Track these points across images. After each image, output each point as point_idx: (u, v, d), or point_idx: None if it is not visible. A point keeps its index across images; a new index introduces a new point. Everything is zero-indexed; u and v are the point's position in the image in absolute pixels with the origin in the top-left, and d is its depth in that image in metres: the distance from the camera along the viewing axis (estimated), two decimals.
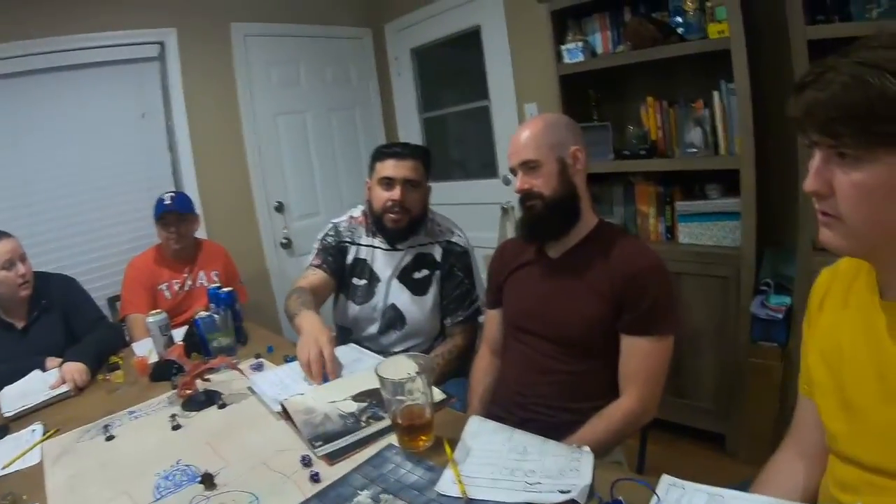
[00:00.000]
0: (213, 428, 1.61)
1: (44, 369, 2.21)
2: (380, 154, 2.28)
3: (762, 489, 1.14)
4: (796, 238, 2.51)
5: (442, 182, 4.29)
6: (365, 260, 2.37)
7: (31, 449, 1.62)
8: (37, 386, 2.07)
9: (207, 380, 1.84)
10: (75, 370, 2.07)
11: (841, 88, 0.83)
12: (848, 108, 0.82)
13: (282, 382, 1.79)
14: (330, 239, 2.41)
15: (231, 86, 4.20)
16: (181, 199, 3.08)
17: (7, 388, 2.06)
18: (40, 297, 2.48)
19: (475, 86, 4.29)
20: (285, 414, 1.56)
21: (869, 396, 0.96)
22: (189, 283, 3.09)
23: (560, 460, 1.21)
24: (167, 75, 3.94)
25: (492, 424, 1.41)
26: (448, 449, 1.29)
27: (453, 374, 2.22)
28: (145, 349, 2.30)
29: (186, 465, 1.39)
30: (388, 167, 2.22)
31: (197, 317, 2.21)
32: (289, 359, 2.00)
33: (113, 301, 3.34)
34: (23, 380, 2.13)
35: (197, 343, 2.17)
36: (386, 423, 1.45)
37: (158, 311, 2.31)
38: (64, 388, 2.02)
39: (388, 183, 2.22)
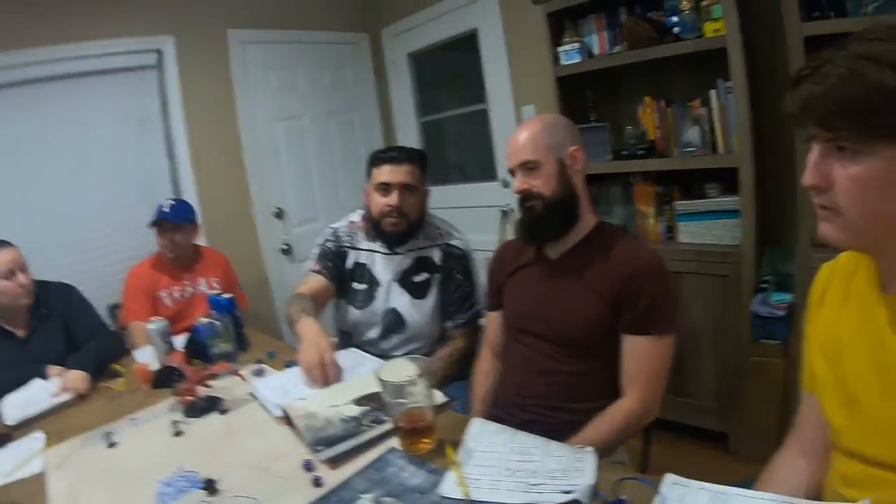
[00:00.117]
0: (214, 434, 1.61)
1: (45, 378, 2.20)
2: (376, 159, 2.28)
3: (766, 487, 1.14)
4: (796, 235, 2.51)
5: (441, 186, 4.31)
6: (365, 264, 2.38)
7: (33, 457, 1.61)
8: (38, 394, 2.06)
9: (209, 386, 1.83)
10: (76, 378, 2.08)
11: (838, 81, 0.83)
12: (845, 101, 0.82)
13: (283, 388, 1.79)
14: (329, 244, 2.41)
15: (229, 92, 4.20)
16: (179, 208, 3.07)
17: (8, 397, 2.06)
18: (41, 305, 2.48)
19: (473, 89, 4.30)
20: (287, 419, 1.56)
21: (870, 390, 0.96)
22: (189, 290, 3.09)
23: (563, 460, 1.21)
24: (165, 83, 3.93)
25: (494, 426, 1.41)
26: (450, 451, 1.29)
27: (455, 377, 2.20)
28: (146, 356, 2.30)
29: (188, 472, 1.39)
30: (385, 172, 2.22)
31: (198, 323, 2.21)
32: (290, 364, 2.00)
33: (113, 309, 3.34)
34: (24, 388, 2.12)
35: (198, 349, 2.18)
36: (388, 426, 1.45)
37: (159, 318, 2.31)
38: (65, 397, 2.01)
39: (384, 188, 2.22)
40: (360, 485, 1.24)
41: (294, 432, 1.52)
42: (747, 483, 1.13)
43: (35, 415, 1.93)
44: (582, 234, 1.75)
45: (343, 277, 2.40)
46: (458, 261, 2.33)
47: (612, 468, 1.23)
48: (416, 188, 2.26)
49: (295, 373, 1.89)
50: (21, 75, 3.39)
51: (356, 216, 2.45)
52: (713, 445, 2.89)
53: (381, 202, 2.23)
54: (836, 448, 1.06)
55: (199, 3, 4.03)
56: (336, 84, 4.79)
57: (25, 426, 1.87)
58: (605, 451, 1.42)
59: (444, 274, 2.32)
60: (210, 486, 1.29)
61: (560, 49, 3.20)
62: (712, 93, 2.77)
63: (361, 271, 2.37)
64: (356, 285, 2.38)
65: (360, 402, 1.59)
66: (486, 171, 4.39)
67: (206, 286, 3.10)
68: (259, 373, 2.01)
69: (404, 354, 2.23)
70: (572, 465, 1.19)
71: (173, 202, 3.10)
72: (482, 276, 2.30)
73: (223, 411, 1.73)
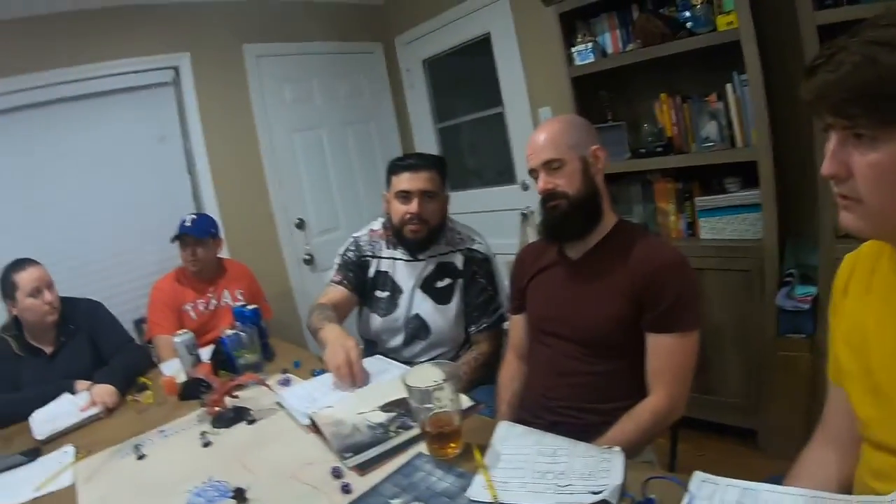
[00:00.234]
0: (243, 443, 1.61)
1: (73, 392, 2.23)
2: (395, 167, 2.28)
3: (795, 482, 1.12)
4: (818, 226, 2.48)
5: (460, 191, 4.30)
6: (386, 272, 2.38)
7: (63, 470, 1.63)
8: (67, 409, 2.09)
9: (236, 396, 1.84)
10: (105, 392, 2.10)
11: (852, 68, 0.82)
12: (860, 87, 0.81)
13: (310, 396, 1.79)
14: (350, 254, 2.42)
15: (246, 106, 4.24)
16: (201, 222, 3.11)
17: (38, 413, 2.08)
18: (67, 322, 2.52)
19: (488, 93, 4.30)
20: (314, 427, 1.56)
21: None
22: (214, 302, 3.12)
23: (590, 461, 1.21)
24: (183, 99, 3.99)
25: (520, 429, 1.40)
26: (478, 455, 1.28)
27: (480, 381, 2.20)
28: (173, 369, 2.32)
29: (218, 481, 1.39)
30: (404, 180, 2.22)
31: (223, 335, 2.22)
32: (316, 372, 2.01)
33: (139, 323, 3.38)
34: (53, 403, 2.15)
35: (224, 361, 2.19)
36: (415, 431, 1.45)
37: (185, 330, 2.33)
38: (94, 411, 2.04)
39: (404, 196, 2.23)
40: (388, 490, 1.24)
41: (322, 440, 1.52)
42: (777, 479, 1.12)
43: (64, 429, 1.95)
44: (603, 233, 1.75)
45: (365, 287, 2.41)
46: (481, 265, 2.32)
47: (640, 468, 1.22)
48: (436, 194, 2.26)
49: (321, 381, 1.91)
50: (41, 96, 3.47)
51: (377, 224, 2.46)
52: (741, 443, 2.85)
53: (401, 210, 2.23)
54: (865, 440, 1.04)
55: (214, 19, 4.08)
56: (351, 94, 4.82)
57: (55, 440, 1.90)
58: (632, 451, 1.41)
59: (466, 279, 2.32)
60: (240, 495, 1.29)
61: (574, 49, 3.19)
62: (728, 86, 2.75)
63: (384, 279, 2.38)
64: (379, 293, 2.38)
65: (386, 408, 1.59)
66: (504, 174, 4.38)
67: (231, 298, 3.13)
68: (285, 382, 2.02)
69: (429, 360, 2.23)
70: (600, 465, 1.18)
71: (195, 216, 3.14)
72: (504, 280, 2.30)
73: (251, 421, 1.73)
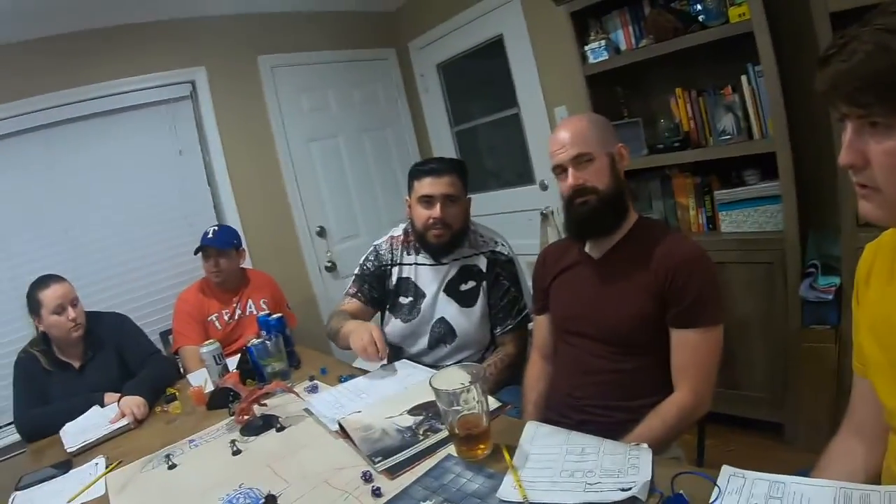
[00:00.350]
0: (272, 450, 1.62)
1: (102, 405, 2.26)
2: (417, 172, 2.28)
3: (822, 474, 1.11)
4: (839, 216, 2.44)
5: (479, 193, 4.30)
6: (409, 278, 2.38)
7: (96, 481, 1.66)
8: (97, 421, 2.12)
9: (264, 404, 1.86)
10: (133, 403, 2.12)
11: (864, 57, 0.81)
12: (873, 76, 0.81)
13: (338, 402, 1.81)
14: (369, 264, 2.44)
15: (263, 117, 4.29)
16: (223, 234, 3.14)
17: (68, 425, 2.12)
18: (94, 336, 2.55)
19: (503, 94, 4.30)
20: (343, 432, 1.57)
21: None
22: (238, 312, 3.14)
23: (618, 458, 1.21)
24: (200, 112, 4.04)
25: (548, 428, 1.41)
26: (507, 455, 1.28)
27: (506, 382, 2.20)
28: (200, 379, 2.34)
29: (249, 488, 1.40)
30: (426, 185, 2.22)
31: (249, 344, 2.24)
32: (343, 379, 2.03)
33: (165, 335, 3.42)
34: (83, 416, 2.19)
35: (251, 370, 2.21)
36: (443, 434, 1.45)
37: (212, 340, 2.35)
38: (123, 422, 2.06)
39: (427, 201, 2.23)
40: (419, 493, 1.24)
41: (351, 445, 1.52)
42: (805, 472, 1.11)
43: (94, 441, 1.98)
44: (624, 231, 1.74)
45: (385, 297, 2.43)
46: (504, 267, 2.31)
47: (668, 464, 1.22)
48: (458, 198, 2.25)
49: (348, 387, 1.92)
50: (62, 115, 3.54)
51: (398, 230, 2.46)
52: (769, 436, 2.82)
53: (424, 215, 2.23)
54: (892, 430, 1.03)
55: (228, 32, 4.13)
56: (367, 100, 4.84)
57: (86, 452, 1.92)
58: (659, 448, 1.41)
59: (490, 281, 2.31)
60: (271, 502, 1.30)
61: (587, 47, 3.18)
62: (743, 78, 2.73)
63: (406, 285, 2.38)
64: (402, 299, 2.39)
65: (414, 411, 1.60)
66: (522, 175, 4.38)
67: (255, 308, 3.15)
68: (313, 389, 2.03)
69: (455, 363, 2.23)
70: (628, 462, 1.18)
71: (217, 228, 3.17)
72: (527, 281, 2.30)
73: (279, 428, 1.74)
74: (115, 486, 1.61)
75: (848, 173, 0.92)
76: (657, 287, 1.62)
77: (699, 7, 2.76)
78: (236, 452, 1.64)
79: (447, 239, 2.24)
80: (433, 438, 1.46)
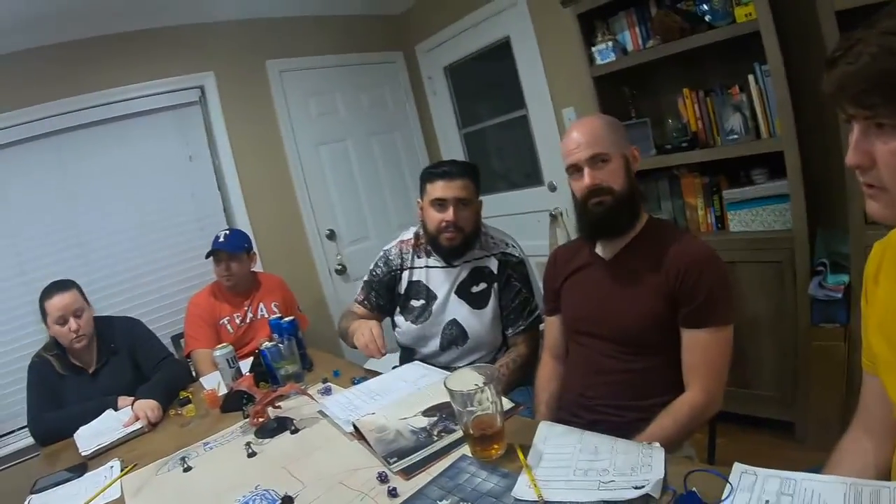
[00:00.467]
0: (287, 452, 1.63)
1: (116, 408, 2.28)
2: (429, 175, 2.28)
3: (833, 471, 1.11)
4: (847, 214, 2.44)
5: (489, 195, 4.30)
6: (420, 281, 2.39)
7: (111, 484, 1.66)
8: (111, 425, 2.14)
9: (278, 407, 1.87)
10: (147, 407, 2.14)
11: (870, 59, 0.82)
12: (879, 77, 0.82)
13: (351, 404, 1.82)
14: (378, 271, 2.45)
15: (272, 121, 4.30)
16: (234, 238, 3.15)
17: (83, 429, 2.14)
18: (107, 340, 2.57)
19: (511, 96, 4.30)
20: (358, 434, 1.58)
21: None
22: (250, 315, 3.15)
23: (631, 457, 1.21)
24: (209, 117, 4.06)
25: (561, 428, 1.41)
26: (521, 454, 1.29)
27: (518, 383, 2.21)
28: (213, 382, 2.36)
29: (266, 490, 1.41)
30: (439, 188, 2.23)
31: (262, 347, 2.25)
32: (356, 381, 2.03)
33: (177, 339, 3.44)
34: (97, 420, 2.21)
35: (264, 372, 2.22)
36: (457, 434, 1.46)
37: (225, 344, 2.37)
38: (138, 425, 2.08)
39: (440, 204, 2.23)
40: (434, 493, 1.25)
41: (366, 446, 1.53)
42: (816, 470, 1.12)
43: (109, 444, 1.99)
44: (635, 231, 1.75)
45: (393, 303, 2.45)
46: (515, 268, 2.32)
47: (680, 462, 1.22)
48: (470, 201, 2.26)
49: (362, 389, 1.93)
50: (73, 121, 3.57)
51: (408, 234, 2.47)
52: (779, 435, 2.82)
53: (437, 218, 2.24)
54: None
55: (236, 37, 4.15)
56: (375, 104, 4.85)
57: (100, 456, 1.94)
58: (671, 447, 1.41)
59: (501, 282, 2.31)
60: (288, 502, 1.31)
61: (594, 49, 3.18)
62: (750, 78, 2.73)
63: (417, 288, 2.39)
64: (414, 302, 2.39)
65: (428, 412, 1.61)
66: (530, 176, 4.37)
67: (266, 311, 3.16)
68: (327, 391, 2.04)
69: (467, 364, 2.24)
70: (641, 461, 1.19)
71: (228, 232, 3.18)
72: (538, 282, 2.31)
73: (294, 430, 1.75)
74: (131, 488, 1.62)
75: (855, 173, 0.93)
76: (668, 287, 1.62)
77: (706, 7, 2.77)
78: (251, 454, 1.65)
79: (459, 242, 2.25)
80: (447, 439, 1.47)
